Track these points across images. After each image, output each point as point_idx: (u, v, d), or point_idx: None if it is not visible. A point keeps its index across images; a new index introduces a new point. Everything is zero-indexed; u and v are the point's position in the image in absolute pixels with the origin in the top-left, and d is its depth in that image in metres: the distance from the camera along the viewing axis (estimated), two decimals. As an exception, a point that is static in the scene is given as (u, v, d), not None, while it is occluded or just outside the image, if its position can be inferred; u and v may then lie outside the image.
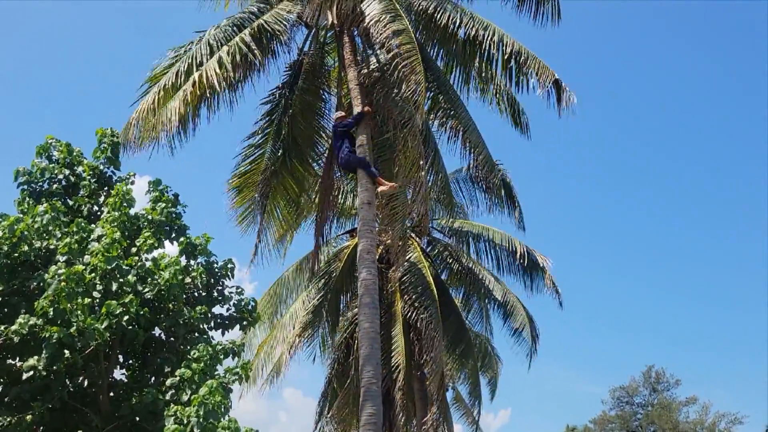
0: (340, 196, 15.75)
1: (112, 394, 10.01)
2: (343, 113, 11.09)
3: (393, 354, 14.33)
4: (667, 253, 79.69)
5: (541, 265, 14.65)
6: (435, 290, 14.67)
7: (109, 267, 8.91)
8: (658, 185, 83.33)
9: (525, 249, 14.76)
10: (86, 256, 9.27)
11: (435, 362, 13.59)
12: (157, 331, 10.54)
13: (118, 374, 10.63)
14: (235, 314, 11.07)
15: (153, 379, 9.89)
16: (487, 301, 16.10)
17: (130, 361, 10.70)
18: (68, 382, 9.49)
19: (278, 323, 15.77)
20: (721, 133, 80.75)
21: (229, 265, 11.17)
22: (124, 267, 9.19)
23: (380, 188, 10.16)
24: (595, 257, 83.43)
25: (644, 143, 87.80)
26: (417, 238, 16.02)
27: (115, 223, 9.58)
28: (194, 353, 9.24)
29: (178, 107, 9.33)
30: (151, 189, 10.84)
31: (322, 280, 14.66)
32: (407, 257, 14.74)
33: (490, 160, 12.06)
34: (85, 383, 9.97)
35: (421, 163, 10.38)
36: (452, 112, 11.51)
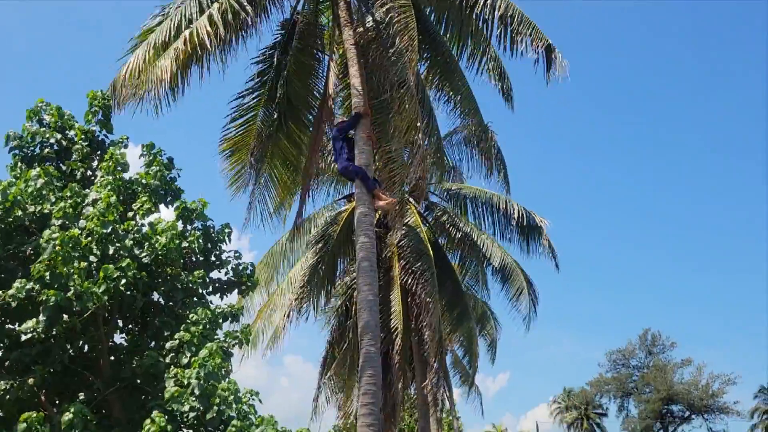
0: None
1: (113, 358, 10.05)
2: (344, 118, 10.61)
3: (391, 318, 14.40)
4: (662, 217, 79.98)
5: (539, 225, 14.59)
6: (432, 255, 14.67)
7: (105, 231, 8.84)
8: (655, 150, 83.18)
9: (522, 210, 14.71)
10: (81, 221, 9.19)
11: (432, 326, 13.65)
12: (155, 296, 10.57)
13: (119, 339, 10.70)
14: (233, 279, 11.06)
15: (153, 343, 9.91)
16: (485, 264, 16.10)
17: (130, 326, 10.73)
18: (68, 346, 9.52)
19: (278, 288, 15.79)
20: (720, 93, 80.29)
21: (226, 230, 11.12)
22: (120, 231, 9.13)
23: (378, 203, 9.46)
24: (591, 223, 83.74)
25: (641, 107, 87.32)
26: (414, 203, 15.94)
27: (110, 187, 9.48)
28: (193, 317, 9.24)
29: (168, 65, 9.08)
30: (145, 153, 10.72)
31: (320, 244, 14.61)
32: (405, 221, 14.70)
33: (483, 125, 11.96)
34: (86, 347, 10.01)
35: (418, 125, 10.20)
36: (447, 76, 11.32)
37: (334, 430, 25.68)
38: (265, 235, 13.37)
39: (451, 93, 11.34)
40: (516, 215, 14.79)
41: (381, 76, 10.80)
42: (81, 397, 9.15)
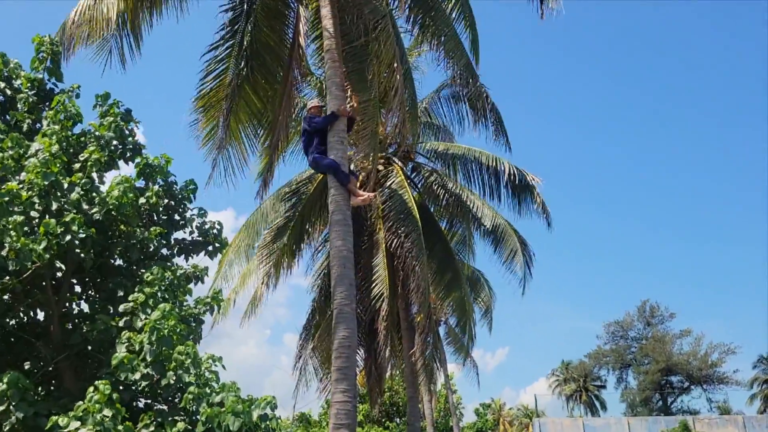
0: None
1: (70, 326, 9.27)
2: (318, 104, 9.29)
3: (375, 284, 13.62)
4: (660, 189, 79.16)
5: (531, 183, 13.72)
6: (419, 217, 13.86)
7: (47, 183, 7.98)
8: (652, 122, 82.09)
9: (514, 169, 13.83)
10: (23, 174, 8.34)
11: (420, 289, 12.86)
12: (117, 261, 9.77)
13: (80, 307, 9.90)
14: (198, 239, 10.26)
15: (109, 307, 9.11)
16: (475, 226, 15.26)
17: (90, 292, 9.94)
18: (10, 312, 8.74)
19: (257, 254, 14.97)
20: (718, 65, 78.99)
21: (190, 186, 10.30)
22: (65, 183, 8.27)
23: (354, 200, 8.49)
24: (588, 195, 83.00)
25: (637, 76, 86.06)
26: (400, 163, 15.08)
27: (55, 137, 8.60)
28: (148, 276, 8.43)
29: (115, 1, 8.19)
30: (99, 103, 9.82)
31: (290, 202, 13.73)
32: (389, 183, 13.87)
33: (471, 68, 11.03)
34: (37, 314, 9.24)
35: (396, 65, 9.31)
36: (428, 14, 10.40)
37: (325, 407, 25.07)
38: (251, 204, 12.50)
39: (434, 31, 10.40)
40: (507, 174, 13.92)
41: (355, 15, 9.90)
42: (27, 367, 8.37)
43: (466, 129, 14.48)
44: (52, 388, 8.70)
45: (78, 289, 9.81)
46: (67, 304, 9.35)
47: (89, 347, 8.49)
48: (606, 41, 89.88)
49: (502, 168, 14.09)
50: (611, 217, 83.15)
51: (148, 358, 7.48)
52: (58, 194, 8.14)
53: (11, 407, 7.17)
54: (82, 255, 8.23)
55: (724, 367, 45.32)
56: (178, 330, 7.76)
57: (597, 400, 51.82)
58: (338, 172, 8.26)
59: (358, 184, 9.88)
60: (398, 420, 24.92)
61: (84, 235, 8.05)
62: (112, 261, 9.39)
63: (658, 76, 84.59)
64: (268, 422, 7.60)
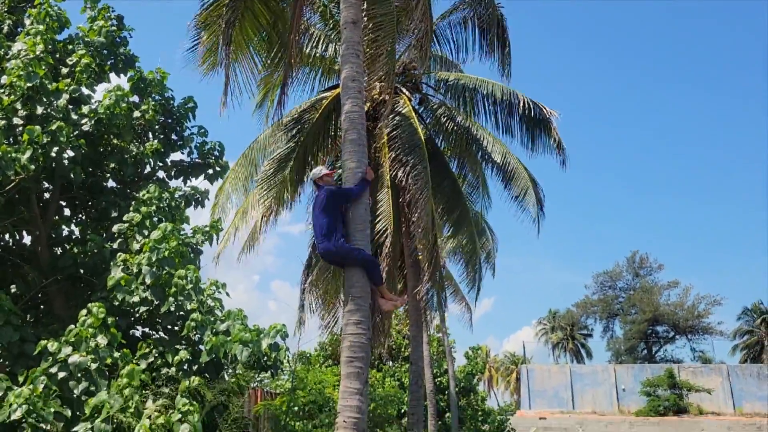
0: (320, 45, 13.79)
1: (59, 250, 8.56)
2: (327, 171, 6.93)
3: (379, 219, 12.98)
4: (651, 144, 78.70)
5: (547, 117, 12.95)
6: (426, 150, 13.13)
7: (30, 85, 7.11)
8: (643, 75, 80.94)
9: (529, 101, 13.03)
10: (3, 77, 7.46)
11: (425, 226, 12.23)
12: (109, 182, 8.98)
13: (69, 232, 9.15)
14: (198, 161, 9.48)
15: (101, 230, 8.39)
16: (485, 164, 14.54)
17: (80, 216, 9.19)
18: (4, 236, 8.02)
19: (257, 187, 14.20)
20: (720, 14, 77.50)
21: (189, 104, 9.45)
22: (50, 87, 7.40)
23: (385, 304, 6.82)
24: (580, 149, 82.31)
25: (630, 30, 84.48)
26: (407, 93, 14.24)
27: (39, 37, 7.68)
28: (144, 194, 7.68)
29: None
30: (88, 5, 8.86)
31: (292, 131, 12.89)
32: (397, 111, 13.07)
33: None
34: (26, 239, 8.51)
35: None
36: None
37: (320, 347, 24.79)
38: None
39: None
40: (522, 106, 13.11)
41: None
42: (13, 291, 7.67)
43: (475, 59, 13.57)
44: (41, 315, 8.04)
45: (67, 212, 9.06)
46: (56, 228, 8.60)
47: (81, 271, 7.77)
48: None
49: (517, 101, 13.28)
50: (602, 171, 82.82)
51: (147, 281, 6.81)
52: (43, 99, 7.27)
53: (-6, 331, 6.49)
54: (71, 172, 7.43)
55: (710, 318, 45.88)
56: (180, 252, 7.07)
57: (583, 348, 52.52)
58: (375, 268, 6.49)
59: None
60: (391, 363, 24.74)
61: (72, 149, 7.26)
62: (104, 182, 8.60)
63: (657, 38, 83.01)
64: (277, 353, 7.04)
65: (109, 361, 6.20)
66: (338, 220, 6.24)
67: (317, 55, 14.03)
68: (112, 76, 9.17)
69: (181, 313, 7.00)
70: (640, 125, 79.41)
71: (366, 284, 7.57)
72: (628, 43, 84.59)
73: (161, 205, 7.58)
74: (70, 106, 7.60)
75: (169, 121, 9.14)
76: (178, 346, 6.98)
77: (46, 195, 8.58)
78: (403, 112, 13.55)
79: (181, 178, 9.35)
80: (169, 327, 7.43)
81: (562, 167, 13.88)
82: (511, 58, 12.94)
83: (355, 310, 7.61)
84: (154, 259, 6.81)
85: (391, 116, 13.34)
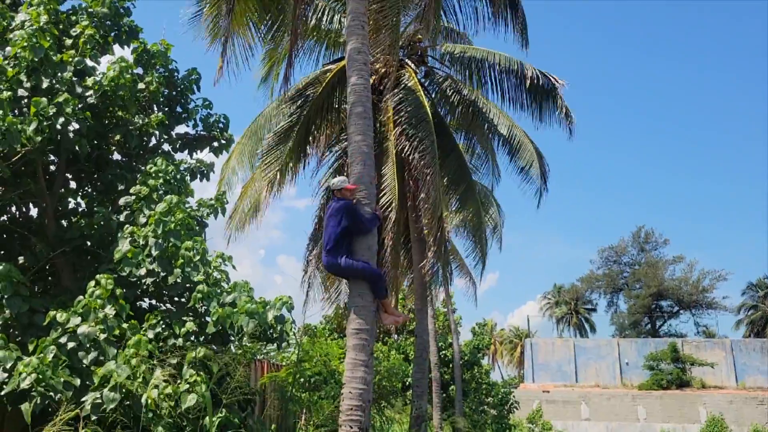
0: (324, 17, 13.65)
1: (66, 223, 8.60)
2: (350, 186, 6.77)
3: (384, 192, 12.95)
4: (659, 119, 78.04)
5: (555, 85, 12.81)
6: (433, 123, 13.05)
7: (36, 58, 7.08)
8: (652, 48, 79.90)
9: (537, 72, 12.90)
10: (8, 48, 7.43)
11: (430, 199, 12.19)
12: (114, 155, 8.98)
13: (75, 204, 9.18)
14: (203, 133, 9.46)
15: (107, 203, 8.41)
16: (492, 136, 14.45)
17: (87, 189, 9.21)
18: (11, 208, 8.06)
19: (262, 159, 14.18)
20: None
21: (193, 76, 9.40)
22: (55, 60, 7.36)
23: (386, 318, 6.85)
24: (588, 124, 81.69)
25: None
26: (413, 66, 14.10)
27: (42, 8, 7.62)
28: (151, 167, 7.68)
29: None
30: (90, -24, 8.76)
31: (296, 104, 12.81)
32: (402, 85, 12.96)
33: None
34: (33, 212, 8.54)
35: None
36: None
37: (324, 320, 24.95)
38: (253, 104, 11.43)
39: None
40: (530, 77, 12.97)
41: None
42: (21, 262, 7.73)
43: (487, 30, 13.41)
44: (49, 286, 8.10)
45: (73, 185, 9.08)
46: (62, 200, 8.63)
47: (88, 243, 7.82)
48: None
49: (525, 72, 13.16)
50: (608, 147, 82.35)
51: (154, 253, 6.85)
52: (49, 71, 7.25)
53: (3, 302, 6.55)
54: (77, 144, 7.43)
55: (715, 293, 45.90)
56: (186, 224, 7.10)
57: (587, 322, 52.71)
58: (380, 282, 6.53)
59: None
60: (396, 336, 24.93)
61: (78, 122, 7.24)
62: (109, 154, 8.60)
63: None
64: (282, 325, 7.10)
65: (117, 331, 6.26)
66: (345, 235, 6.29)
67: (322, 27, 13.92)
68: (116, 48, 9.11)
69: (188, 284, 7.05)
70: (647, 100, 78.73)
71: (373, 247, 7.52)
72: (639, 15, 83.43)
73: (167, 178, 7.57)
74: (75, 78, 7.56)
75: (174, 93, 9.10)
76: (184, 318, 7.04)
77: (52, 167, 8.59)
78: (409, 85, 13.45)
79: (186, 150, 9.33)
80: (176, 299, 7.49)
81: (570, 137, 13.80)
82: (527, 24, 12.80)
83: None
84: (160, 231, 6.84)
85: (396, 89, 13.24)
